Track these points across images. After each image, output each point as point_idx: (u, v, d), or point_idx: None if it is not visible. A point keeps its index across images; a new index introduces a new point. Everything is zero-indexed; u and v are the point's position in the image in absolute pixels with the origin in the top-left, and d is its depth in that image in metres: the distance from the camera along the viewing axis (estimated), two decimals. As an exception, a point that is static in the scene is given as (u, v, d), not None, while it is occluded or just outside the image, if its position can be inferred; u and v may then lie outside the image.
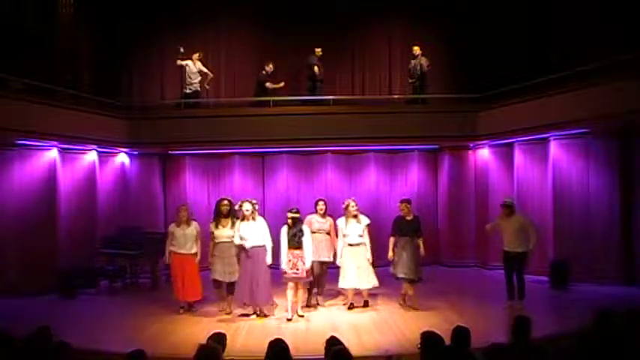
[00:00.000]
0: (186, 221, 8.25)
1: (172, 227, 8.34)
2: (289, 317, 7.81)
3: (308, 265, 7.76)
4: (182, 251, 8.18)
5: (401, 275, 8.21)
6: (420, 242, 8.33)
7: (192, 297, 8.26)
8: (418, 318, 7.79)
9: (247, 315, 7.99)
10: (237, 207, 8.05)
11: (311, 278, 8.05)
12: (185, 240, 8.18)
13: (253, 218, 7.89)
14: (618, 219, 9.83)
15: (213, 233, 8.10)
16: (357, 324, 7.55)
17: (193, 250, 8.22)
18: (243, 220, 7.88)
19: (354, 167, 12.58)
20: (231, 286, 8.08)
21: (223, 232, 8.05)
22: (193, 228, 8.26)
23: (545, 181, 10.63)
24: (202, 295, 8.34)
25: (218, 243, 8.06)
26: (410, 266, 8.15)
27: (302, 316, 7.97)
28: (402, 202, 8.58)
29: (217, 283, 8.16)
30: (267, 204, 12.05)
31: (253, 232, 7.82)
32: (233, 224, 8.03)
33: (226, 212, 8.09)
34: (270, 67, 11.98)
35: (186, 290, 8.20)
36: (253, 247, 7.80)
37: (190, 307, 8.30)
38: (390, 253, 8.31)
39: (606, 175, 9.97)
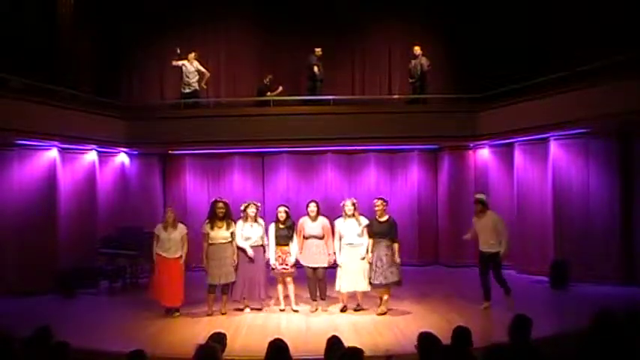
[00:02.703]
0: (172, 224, 8.12)
1: (159, 229, 8.15)
2: (282, 308, 8.24)
3: (292, 260, 8.16)
4: (166, 255, 8.05)
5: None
6: (395, 247, 8.01)
7: (173, 302, 8.08)
8: (418, 318, 7.79)
9: (241, 309, 8.22)
10: (242, 209, 8.21)
11: (295, 272, 8.28)
12: (169, 244, 8.04)
13: (256, 220, 8.20)
14: (618, 219, 9.83)
15: (208, 234, 8.05)
16: (356, 324, 7.54)
17: (178, 254, 8.06)
18: (246, 221, 8.14)
19: (354, 167, 12.59)
20: (226, 287, 8.13)
21: (219, 234, 8.03)
22: (179, 232, 8.09)
23: (545, 181, 10.63)
24: (181, 302, 8.14)
25: (213, 244, 8.03)
26: (376, 270, 7.90)
27: (296, 311, 8.17)
28: (378, 198, 8.31)
29: (211, 288, 8.11)
30: (267, 204, 12.02)
31: (255, 232, 8.16)
32: (228, 226, 8.07)
33: (222, 215, 8.06)
34: (268, 80, 12.07)
35: (167, 294, 8.03)
36: (254, 247, 8.14)
37: (175, 312, 8.09)
38: (369, 256, 8.05)
39: (606, 175, 9.97)
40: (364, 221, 8.12)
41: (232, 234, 8.09)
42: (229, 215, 8.17)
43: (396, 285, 8.08)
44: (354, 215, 8.10)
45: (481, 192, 8.81)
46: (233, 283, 8.14)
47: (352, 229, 8.07)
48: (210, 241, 8.04)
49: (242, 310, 8.23)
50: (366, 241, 8.08)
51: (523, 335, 4.26)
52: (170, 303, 8.11)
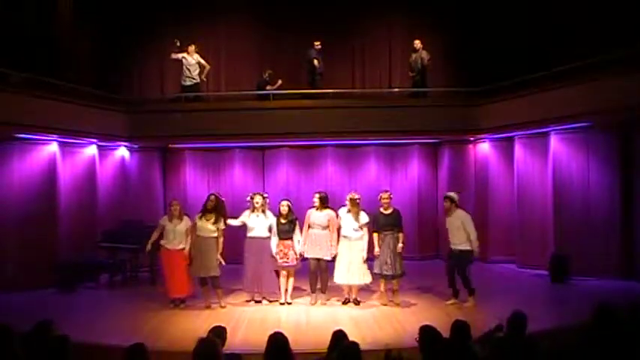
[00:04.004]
0: (178, 216, 8.21)
1: (164, 221, 8.27)
2: (282, 302, 8.34)
3: (299, 250, 8.27)
4: (169, 247, 8.14)
5: (376, 271, 8.10)
6: (400, 237, 8.13)
7: (179, 293, 8.19)
8: (418, 312, 7.82)
9: (259, 301, 8.40)
10: (248, 198, 8.38)
11: (299, 265, 8.39)
12: (174, 236, 8.13)
13: (263, 211, 8.31)
14: (618, 213, 9.85)
15: (195, 224, 8.16)
16: (357, 318, 7.56)
17: (181, 246, 8.15)
18: (253, 211, 8.27)
19: (355, 161, 12.59)
20: (216, 281, 8.20)
21: (205, 225, 8.10)
22: (184, 224, 8.19)
23: (546, 175, 10.62)
24: (190, 292, 8.26)
25: (199, 236, 8.12)
26: (387, 262, 8.02)
27: (290, 303, 8.29)
28: (385, 191, 8.44)
29: (202, 280, 8.19)
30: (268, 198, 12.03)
31: (261, 224, 8.27)
32: (217, 220, 8.12)
33: (211, 208, 8.14)
34: (267, 75, 12.02)
35: (174, 286, 8.14)
36: (259, 238, 8.26)
37: (181, 302, 8.23)
38: (377, 249, 8.14)
39: (606, 169, 9.98)
40: (364, 219, 8.13)
41: (218, 230, 8.14)
42: (220, 210, 8.22)
43: (402, 276, 8.17)
44: (352, 211, 8.12)
45: (456, 191, 8.82)
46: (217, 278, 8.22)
47: (349, 223, 8.14)
48: (196, 232, 8.15)
49: (260, 302, 8.40)
50: (366, 236, 8.13)
51: (519, 332, 4.30)
52: (177, 293, 8.20)
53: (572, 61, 9.38)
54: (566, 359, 4.05)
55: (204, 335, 4.06)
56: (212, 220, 8.11)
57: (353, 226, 8.11)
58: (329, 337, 4.39)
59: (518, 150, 11.20)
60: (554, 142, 10.41)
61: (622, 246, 9.76)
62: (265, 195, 8.55)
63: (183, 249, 8.17)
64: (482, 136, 11.74)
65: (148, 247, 8.33)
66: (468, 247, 8.06)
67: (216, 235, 8.12)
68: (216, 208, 8.17)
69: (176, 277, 8.12)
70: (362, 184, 12.18)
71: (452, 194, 8.43)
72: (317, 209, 8.34)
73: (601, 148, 10.01)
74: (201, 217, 8.16)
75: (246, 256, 8.31)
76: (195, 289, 8.36)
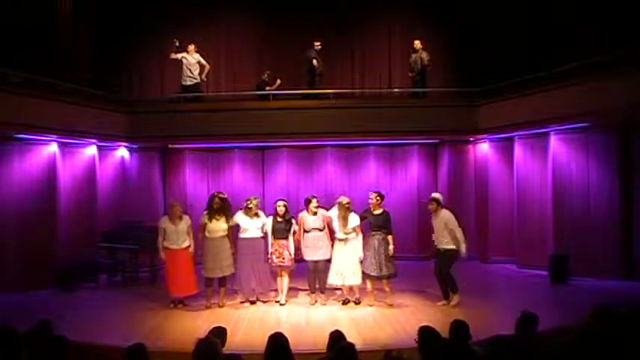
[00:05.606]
0: (179, 217, 8.22)
1: (164, 222, 8.23)
2: (278, 300, 8.39)
3: (292, 252, 8.28)
4: (175, 247, 8.14)
5: (362, 269, 8.08)
6: (390, 239, 8.08)
7: (187, 291, 8.20)
8: (417, 312, 7.81)
9: (252, 302, 8.36)
10: (247, 204, 8.31)
11: (293, 265, 8.39)
12: (177, 236, 8.14)
13: (256, 214, 8.31)
14: (618, 213, 9.83)
15: (205, 225, 8.13)
16: (356, 319, 7.56)
17: (186, 245, 8.19)
18: (247, 213, 8.27)
19: (354, 161, 12.59)
20: (223, 280, 8.22)
21: (217, 226, 8.11)
22: (184, 223, 8.21)
23: (546, 176, 10.62)
24: (196, 290, 8.27)
25: (210, 238, 8.11)
26: (372, 262, 7.99)
27: (282, 304, 8.31)
28: (372, 192, 8.35)
29: (209, 281, 8.20)
30: (267, 198, 12.02)
31: (254, 224, 8.27)
32: (227, 218, 8.17)
33: (217, 208, 8.15)
34: (266, 76, 12.06)
35: (181, 285, 8.14)
36: (253, 239, 8.26)
37: (180, 302, 8.25)
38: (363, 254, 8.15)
39: (606, 169, 9.96)
40: (353, 222, 8.07)
41: (228, 227, 8.19)
42: (226, 210, 8.24)
43: (392, 277, 8.13)
44: (340, 215, 8.10)
45: (439, 192, 8.90)
46: (235, 277, 8.23)
47: (338, 227, 8.15)
48: (207, 234, 8.13)
49: (254, 302, 8.36)
50: (360, 238, 8.11)
51: (529, 331, 4.31)
52: (182, 292, 8.21)
53: (572, 61, 9.39)
54: (566, 359, 4.05)
55: (204, 335, 4.07)
56: (223, 220, 8.14)
57: (343, 230, 8.07)
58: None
59: (518, 150, 11.19)
60: (554, 143, 10.41)
61: (622, 246, 9.75)
62: (259, 199, 8.68)
63: (189, 247, 8.22)
64: (482, 136, 11.74)
65: (162, 255, 8.24)
66: (452, 247, 8.09)
67: (226, 233, 8.17)
68: (223, 208, 8.18)
69: (182, 276, 8.13)
70: (362, 184, 12.19)
71: (436, 195, 8.44)
72: (313, 214, 8.34)
73: (601, 148, 10.00)
74: (211, 219, 8.12)
75: (240, 257, 8.28)
76: (199, 288, 8.35)
